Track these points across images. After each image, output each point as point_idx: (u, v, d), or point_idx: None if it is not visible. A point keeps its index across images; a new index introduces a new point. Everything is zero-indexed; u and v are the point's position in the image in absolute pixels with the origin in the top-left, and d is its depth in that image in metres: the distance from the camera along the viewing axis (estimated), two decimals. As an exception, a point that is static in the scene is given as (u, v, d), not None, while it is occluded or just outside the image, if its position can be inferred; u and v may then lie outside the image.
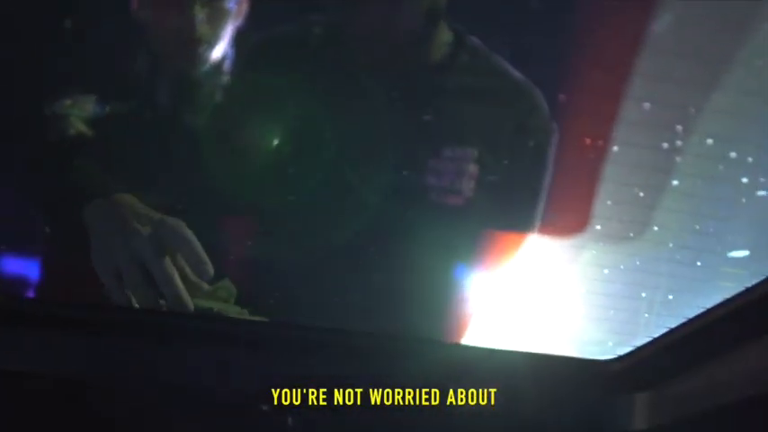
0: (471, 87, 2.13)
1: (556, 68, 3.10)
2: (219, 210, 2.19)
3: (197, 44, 2.22)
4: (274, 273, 2.07)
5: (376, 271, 2.06)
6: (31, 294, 2.58)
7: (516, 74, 2.17)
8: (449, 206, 2.07)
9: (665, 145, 3.62)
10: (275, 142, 2.14)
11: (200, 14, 2.20)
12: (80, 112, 2.19)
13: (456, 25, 2.15)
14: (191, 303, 1.77)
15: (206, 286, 1.85)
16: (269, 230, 2.10)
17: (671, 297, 4.19)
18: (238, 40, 2.32)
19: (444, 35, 2.14)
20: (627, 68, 3.31)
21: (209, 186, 2.18)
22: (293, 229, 2.08)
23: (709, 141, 3.67)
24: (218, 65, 2.29)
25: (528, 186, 2.17)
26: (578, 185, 3.00)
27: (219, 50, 2.26)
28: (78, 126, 2.17)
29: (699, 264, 4.13)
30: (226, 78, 2.31)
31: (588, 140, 3.09)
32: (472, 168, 2.08)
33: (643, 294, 4.13)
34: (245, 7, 2.30)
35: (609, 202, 3.73)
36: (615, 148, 3.55)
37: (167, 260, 1.62)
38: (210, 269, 1.64)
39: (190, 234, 1.65)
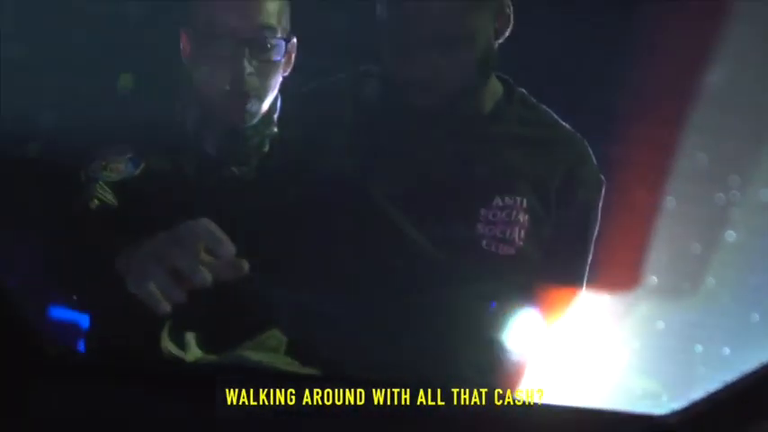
0: (520, 137, 2.13)
1: (611, 121, 3.11)
2: (268, 259, 2.18)
3: (246, 98, 2.24)
4: (325, 323, 2.07)
5: (427, 323, 2.05)
6: (79, 346, 2.61)
7: (564, 125, 2.18)
8: (500, 257, 2.06)
9: (721, 198, 3.60)
10: (325, 193, 2.14)
11: (249, 68, 2.22)
12: (113, 175, 2.21)
13: (505, 77, 2.17)
14: (208, 279, 1.76)
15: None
16: (320, 281, 2.10)
17: (727, 351, 4.14)
18: (290, 91, 2.35)
19: (494, 86, 2.15)
20: (682, 121, 3.31)
21: (259, 237, 2.17)
22: (344, 280, 2.08)
23: (765, 195, 3.65)
24: (268, 117, 2.30)
25: (579, 238, 2.16)
26: (633, 239, 2.99)
27: (268, 103, 2.28)
28: (106, 194, 2.20)
29: (755, 318, 4.09)
30: (275, 130, 2.32)
31: (643, 194, 3.08)
32: (522, 218, 2.07)
33: (698, 348, 4.09)
34: (293, 58, 2.32)
35: (664, 256, 3.71)
36: (670, 202, 3.54)
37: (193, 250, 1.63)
38: (233, 248, 1.65)
39: (209, 224, 1.66)
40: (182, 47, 2.31)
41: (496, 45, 2.12)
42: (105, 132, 2.31)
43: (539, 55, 3.19)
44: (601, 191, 2.18)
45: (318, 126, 2.18)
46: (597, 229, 2.18)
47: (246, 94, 2.23)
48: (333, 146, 2.13)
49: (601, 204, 2.18)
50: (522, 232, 2.07)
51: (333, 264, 2.09)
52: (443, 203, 2.06)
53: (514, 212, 2.06)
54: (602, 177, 2.18)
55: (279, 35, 2.24)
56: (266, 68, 2.25)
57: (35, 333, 2.19)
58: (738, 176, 3.62)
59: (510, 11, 2.11)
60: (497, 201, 2.07)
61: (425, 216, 2.05)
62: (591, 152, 2.18)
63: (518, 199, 2.07)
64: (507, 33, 2.11)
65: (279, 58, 2.26)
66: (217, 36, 2.22)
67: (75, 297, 2.44)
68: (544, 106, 2.18)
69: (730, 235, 3.69)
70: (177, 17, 2.31)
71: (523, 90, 2.18)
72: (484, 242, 2.05)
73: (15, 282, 2.91)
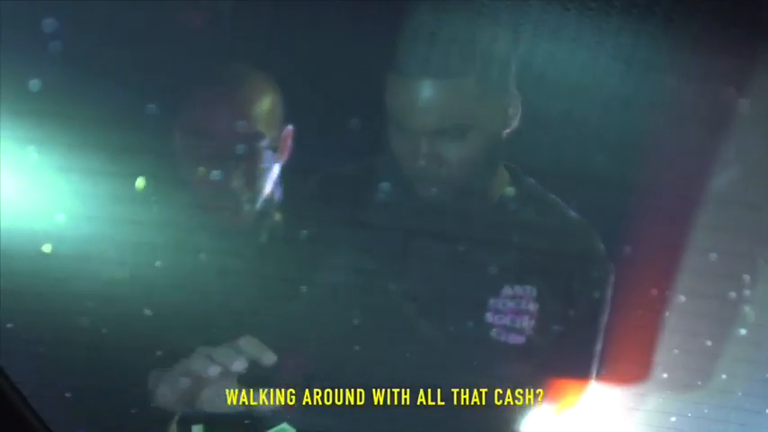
0: (529, 226, 2.17)
1: (622, 217, 3.14)
2: (278, 353, 2.22)
3: (239, 206, 2.27)
4: (336, 416, 2.08)
5: (438, 415, 2.07)
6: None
7: (573, 214, 2.19)
8: (510, 346, 2.09)
9: (733, 294, 3.62)
10: (338, 281, 2.17)
11: (236, 179, 2.25)
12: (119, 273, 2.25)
13: (513, 165, 2.19)
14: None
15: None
16: (329, 373, 2.14)
17: (741, 446, 4.14)
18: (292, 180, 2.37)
19: (502, 175, 2.18)
20: (691, 219, 3.34)
21: (261, 324, 2.23)
22: (353, 371, 2.12)
23: (777, 292, 3.67)
24: (266, 209, 2.34)
25: (588, 327, 2.19)
26: (643, 333, 3.00)
27: (260, 200, 2.31)
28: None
29: (768, 412, 4.08)
30: (276, 220, 2.36)
31: (654, 290, 3.10)
32: (532, 307, 2.11)
33: (712, 443, 4.08)
34: (288, 145, 2.34)
35: (675, 351, 3.72)
36: (681, 298, 3.56)
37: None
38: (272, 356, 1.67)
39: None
40: (174, 139, 2.30)
41: (504, 134, 2.15)
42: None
43: (548, 146, 3.26)
44: (610, 279, 2.19)
45: (326, 218, 2.20)
46: (606, 318, 2.19)
47: (238, 200, 2.28)
48: (341, 239, 2.15)
49: (610, 293, 2.20)
50: (532, 321, 2.11)
51: (342, 356, 2.13)
52: (453, 294, 2.10)
53: (524, 302, 2.11)
54: (612, 266, 2.20)
55: (266, 142, 2.26)
56: (255, 175, 2.29)
57: None
58: (750, 275, 3.64)
59: (519, 103, 2.13)
60: (507, 290, 2.12)
61: (435, 307, 2.09)
62: (600, 241, 2.19)
63: (527, 288, 2.12)
64: (516, 124, 2.14)
65: (267, 165, 2.29)
66: (206, 146, 2.26)
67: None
68: (552, 195, 2.20)
69: (742, 331, 3.70)
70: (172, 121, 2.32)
71: (531, 179, 2.20)
72: (494, 331, 2.09)
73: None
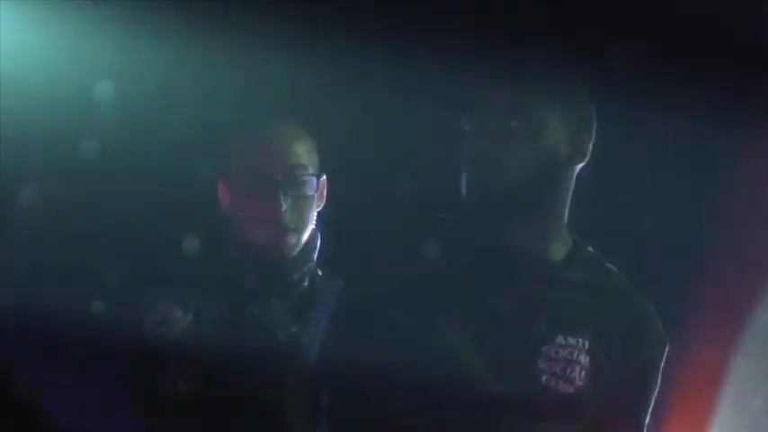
0: (588, 286, 2.13)
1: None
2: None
3: (286, 232, 2.38)
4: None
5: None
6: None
7: (630, 285, 2.18)
8: (559, 393, 2.04)
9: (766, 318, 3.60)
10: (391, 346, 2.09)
11: (285, 204, 2.36)
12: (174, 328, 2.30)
13: (576, 236, 2.18)
14: None
15: None
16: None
17: None
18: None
19: (566, 238, 2.16)
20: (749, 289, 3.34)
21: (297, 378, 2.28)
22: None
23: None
24: (307, 252, 2.43)
25: (638, 395, 2.15)
26: (697, 396, 2.97)
27: (306, 235, 2.42)
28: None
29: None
30: (314, 266, 2.44)
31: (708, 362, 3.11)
32: (584, 359, 2.06)
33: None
34: (324, 194, 2.48)
35: (728, 411, 3.67)
36: (734, 359, 3.52)
37: None
38: None
39: None
40: (220, 197, 2.46)
41: (570, 173, 2.13)
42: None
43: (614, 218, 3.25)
44: (664, 351, 2.17)
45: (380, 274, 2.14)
46: (657, 388, 2.17)
47: (286, 228, 2.38)
48: (393, 286, 2.11)
49: (663, 365, 2.17)
50: (583, 373, 2.06)
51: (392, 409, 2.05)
52: (508, 339, 2.06)
53: (576, 352, 2.07)
54: (666, 338, 2.18)
55: (310, 171, 2.42)
56: (301, 203, 2.40)
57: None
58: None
59: (588, 144, 2.12)
60: (560, 339, 2.07)
61: (490, 355, 2.04)
62: (655, 313, 2.18)
63: (580, 340, 2.08)
64: (582, 163, 2.12)
65: (312, 192, 2.42)
66: (253, 180, 2.39)
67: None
68: (611, 265, 2.19)
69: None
70: (216, 171, 2.49)
71: (591, 248, 2.20)
72: (544, 377, 2.04)
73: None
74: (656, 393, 2.16)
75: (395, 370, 2.04)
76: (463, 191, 2.10)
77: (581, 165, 2.13)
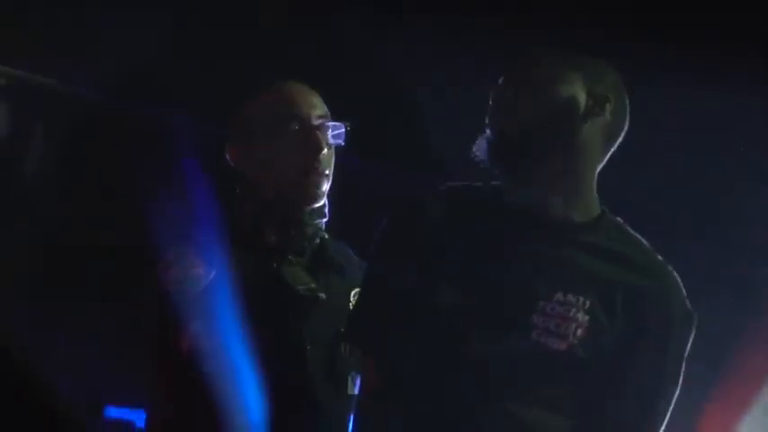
0: (601, 249, 2.11)
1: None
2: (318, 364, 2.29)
3: (322, 176, 2.41)
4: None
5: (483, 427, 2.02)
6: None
7: (655, 253, 2.16)
8: (549, 350, 2.03)
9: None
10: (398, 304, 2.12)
11: (325, 149, 2.39)
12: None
13: (604, 206, 2.18)
14: None
15: None
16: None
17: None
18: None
19: (592, 203, 2.17)
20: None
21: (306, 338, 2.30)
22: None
23: None
24: (321, 207, 2.44)
25: (652, 369, 2.09)
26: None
27: (328, 185, 2.44)
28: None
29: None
30: (323, 224, 2.46)
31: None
32: (581, 317, 2.04)
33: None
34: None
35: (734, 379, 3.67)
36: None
37: None
38: None
39: None
40: (234, 158, 2.47)
41: (592, 130, 2.13)
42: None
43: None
44: (688, 329, 2.11)
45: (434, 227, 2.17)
46: (682, 368, 2.10)
47: (323, 172, 2.42)
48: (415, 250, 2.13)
49: (689, 343, 2.11)
50: (579, 331, 2.04)
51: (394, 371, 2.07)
52: (509, 294, 2.06)
53: (573, 310, 2.05)
54: (693, 315, 2.12)
55: (339, 122, 2.45)
56: (332, 152, 2.45)
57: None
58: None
59: (609, 100, 2.12)
60: (559, 295, 2.06)
61: (490, 306, 2.06)
62: (681, 287, 2.13)
63: (581, 298, 2.05)
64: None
65: (341, 140, 2.45)
66: (292, 128, 2.41)
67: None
68: (640, 237, 2.17)
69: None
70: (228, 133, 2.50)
71: (620, 219, 2.19)
72: (535, 333, 2.03)
73: (70, 382, 2.93)
74: (678, 376, 2.10)
75: (393, 324, 2.07)
76: (484, 146, 2.11)
77: (602, 124, 2.11)
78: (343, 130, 2.43)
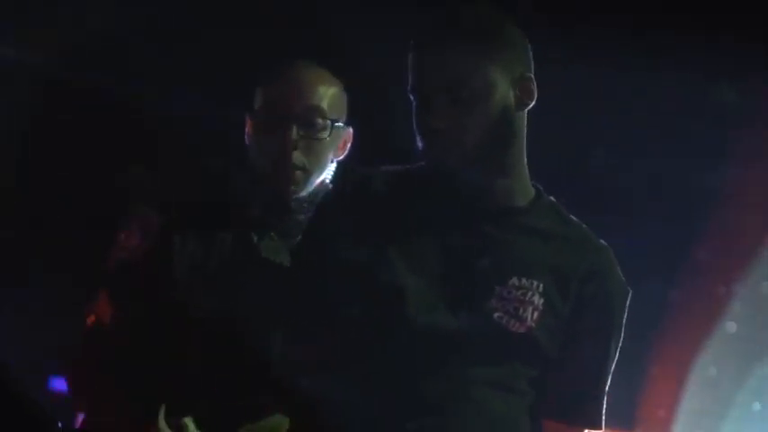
0: (546, 233, 2.14)
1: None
2: (278, 336, 2.22)
3: (292, 169, 2.39)
4: (331, 406, 2.05)
5: (435, 406, 2.02)
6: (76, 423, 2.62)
7: (591, 233, 2.19)
8: (511, 333, 2.04)
9: (723, 290, 3.65)
10: (347, 278, 2.11)
11: (296, 142, 2.39)
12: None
13: (537, 185, 2.19)
14: None
15: None
16: (327, 361, 2.09)
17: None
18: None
19: (527, 186, 2.17)
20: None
21: (272, 311, 2.23)
22: (352, 360, 2.06)
23: (765, 288, 3.69)
24: (314, 197, 2.43)
25: (598, 342, 2.13)
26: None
27: (316, 179, 2.45)
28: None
29: (757, 407, 4.08)
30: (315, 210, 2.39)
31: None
32: (537, 300, 2.06)
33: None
34: (347, 146, 2.51)
35: (670, 347, 3.73)
36: (677, 296, 3.58)
37: None
38: None
39: None
40: (246, 132, 2.51)
41: (519, 116, 2.13)
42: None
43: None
44: (625, 300, 2.16)
45: (349, 208, 2.17)
46: (620, 339, 2.15)
47: (293, 165, 2.40)
48: (361, 227, 2.13)
49: (625, 315, 2.16)
50: (536, 314, 2.06)
51: (343, 343, 2.07)
52: (462, 281, 2.07)
53: (529, 293, 2.07)
54: (627, 287, 2.17)
55: (327, 116, 2.44)
56: (313, 145, 2.43)
57: (34, 409, 2.20)
58: (740, 270, 3.66)
59: (533, 85, 2.12)
60: (513, 280, 2.07)
61: (443, 292, 2.06)
62: (616, 261, 2.17)
63: (534, 282, 2.08)
64: (530, 105, 2.12)
65: (326, 137, 2.44)
66: (270, 115, 2.43)
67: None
68: (572, 216, 2.20)
69: (731, 326, 3.71)
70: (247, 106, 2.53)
71: (553, 198, 2.21)
72: (496, 315, 2.04)
73: (15, 354, 2.92)
74: (618, 345, 2.15)
75: (349, 303, 2.07)
76: (421, 154, 2.11)
77: (530, 105, 2.13)
78: (331, 125, 2.44)
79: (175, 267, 2.36)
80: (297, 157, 2.40)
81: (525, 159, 2.17)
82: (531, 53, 2.16)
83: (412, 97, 2.12)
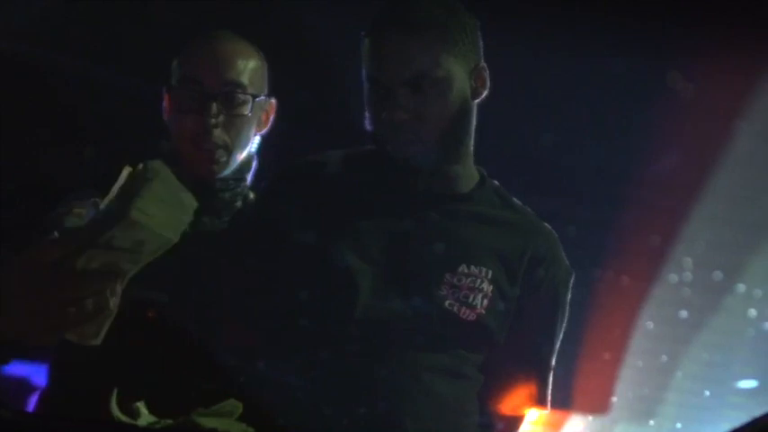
0: (492, 218, 2.18)
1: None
2: (225, 320, 2.22)
3: (213, 149, 2.31)
4: (283, 390, 2.08)
5: (387, 391, 2.06)
6: (30, 407, 2.60)
7: (535, 216, 2.23)
8: (461, 320, 2.07)
9: (675, 278, 3.65)
10: (292, 257, 2.14)
11: (215, 120, 2.31)
12: (76, 220, 2.21)
13: (481, 168, 2.22)
14: None
15: None
16: (279, 346, 2.11)
17: (679, 426, 4.18)
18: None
19: (472, 171, 2.21)
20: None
21: (218, 296, 2.23)
22: (304, 344, 2.09)
23: (718, 274, 3.71)
24: (239, 173, 2.37)
25: (544, 324, 2.18)
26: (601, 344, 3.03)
27: (239, 156, 2.35)
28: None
29: (707, 393, 4.13)
30: (247, 189, 2.38)
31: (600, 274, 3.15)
32: (486, 287, 2.10)
33: (651, 423, 4.13)
34: (270, 118, 2.41)
35: (618, 332, 3.75)
36: (625, 281, 3.60)
37: None
38: None
39: None
40: (163, 107, 2.39)
41: (474, 106, 2.16)
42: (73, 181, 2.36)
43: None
44: (569, 281, 2.21)
45: (297, 191, 2.20)
46: (564, 321, 2.20)
47: (214, 144, 2.32)
48: (308, 212, 2.15)
49: (569, 297, 2.20)
50: (486, 301, 2.09)
51: (293, 329, 2.09)
52: (412, 268, 2.10)
53: (479, 281, 2.10)
54: (571, 269, 2.22)
55: (247, 91, 2.34)
56: (234, 122, 2.34)
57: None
58: (691, 259, 3.69)
59: (486, 74, 2.15)
60: (463, 268, 2.10)
61: (393, 279, 2.08)
62: (560, 245, 2.21)
63: (483, 269, 2.11)
64: (484, 94, 2.15)
65: (247, 112, 2.34)
66: (189, 91, 2.33)
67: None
68: (516, 200, 2.23)
69: (683, 313, 3.75)
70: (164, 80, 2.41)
71: (497, 182, 2.24)
72: (447, 302, 2.07)
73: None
74: (563, 326, 2.19)
75: (295, 287, 2.08)
76: (377, 143, 2.13)
77: (484, 94, 2.16)
78: (252, 100, 2.35)
79: None
80: (218, 135, 2.32)
81: (471, 146, 2.19)
82: (481, 41, 2.18)
83: (368, 86, 2.13)
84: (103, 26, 3.34)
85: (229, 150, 2.34)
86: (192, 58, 2.37)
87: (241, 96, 2.34)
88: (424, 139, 2.09)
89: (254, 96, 2.36)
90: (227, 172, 2.35)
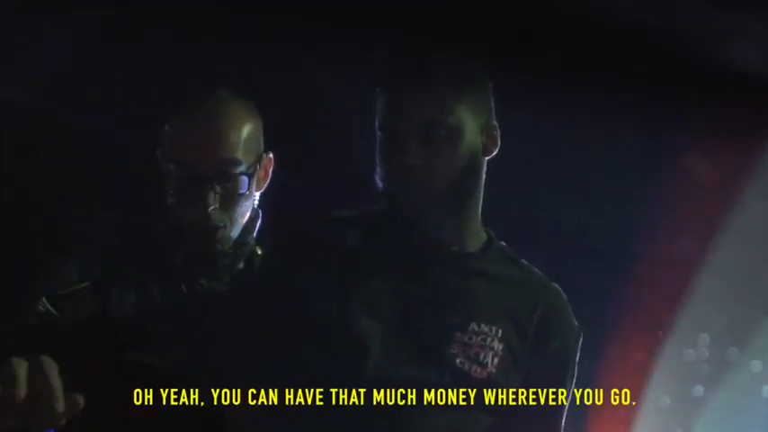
0: (501, 277, 2.19)
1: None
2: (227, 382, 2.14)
3: (213, 231, 2.28)
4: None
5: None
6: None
7: (542, 274, 2.25)
8: (472, 378, 2.09)
9: (690, 354, 3.69)
10: (303, 325, 2.13)
11: (214, 203, 2.26)
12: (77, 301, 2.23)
13: (488, 229, 2.25)
14: None
15: None
16: (285, 406, 2.09)
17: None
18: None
19: (479, 231, 2.23)
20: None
21: (220, 357, 2.16)
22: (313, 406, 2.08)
23: (732, 354, 3.75)
24: (242, 238, 2.34)
25: (554, 385, 2.18)
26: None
27: (239, 228, 2.33)
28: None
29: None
30: (253, 247, 2.37)
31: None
32: (497, 346, 2.11)
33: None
34: (269, 173, 2.39)
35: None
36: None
37: None
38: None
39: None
40: (161, 170, 2.34)
41: (483, 162, 2.19)
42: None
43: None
44: (578, 341, 2.22)
45: (306, 253, 2.19)
46: (574, 380, 2.21)
47: (214, 227, 2.28)
48: (317, 272, 2.15)
49: (577, 356, 2.22)
50: (496, 359, 2.10)
51: (302, 387, 2.08)
52: (422, 326, 2.11)
53: (489, 339, 2.11)
54: (580, 329, 2.23)
55: (242, 168, 2.28)
56: (232, 201, 2.29)
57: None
58: (707, 335, 3.73)
59: (497, 133, 2.19)
60: (473, 326, 2.11)
61: (404, 338, 2.10)
62: (567, 303, 2.23)
63: (493, 328, 2.12)
64: (494, 153, 2.19)
65: (243, 191, 2.29)
66: (183, 173, 2.27)
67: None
68: (523, 260, 2.26)
69: (698, 390, 3.78)
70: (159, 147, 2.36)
71: (503, 243, 2.26)
72: (458, 360, 2.08)
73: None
74: (572, 384, 2.20)
75: (307, 352, 2.08)
76: (387, 191, 2.13)
77: (494, 152, 2.18)
78: (246, 180, 2.28)
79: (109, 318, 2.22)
80: (217, 216, 2.27)
81: (480, 206, 2.21)
82: (493, 102, 2.20)
83: (380, 135, 2.15)
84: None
85: (228, 229, 2.30)
86: (182, 136, 2.29)
87: (238, 174, 2.28)
88: (433, 186, 2.11)
89: (251, 174, 2.29)
90: (228, 246, 2.32)
